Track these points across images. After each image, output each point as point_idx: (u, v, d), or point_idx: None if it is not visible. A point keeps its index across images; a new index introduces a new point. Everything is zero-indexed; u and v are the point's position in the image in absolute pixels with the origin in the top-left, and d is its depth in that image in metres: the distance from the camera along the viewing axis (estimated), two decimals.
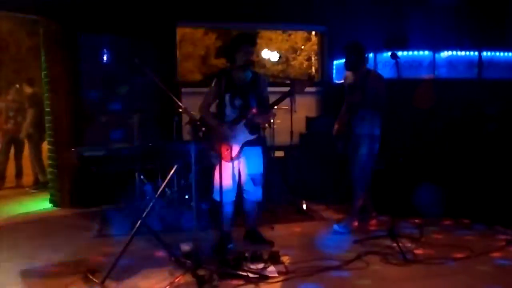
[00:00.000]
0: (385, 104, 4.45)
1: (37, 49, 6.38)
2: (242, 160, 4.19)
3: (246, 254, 3.82)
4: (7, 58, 16.50)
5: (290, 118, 5.48)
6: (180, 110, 4.80)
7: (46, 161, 6.46)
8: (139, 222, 3.61)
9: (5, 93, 7.99)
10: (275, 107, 4.19)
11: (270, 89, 4.35)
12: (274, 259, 3.84)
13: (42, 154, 7.47)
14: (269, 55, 20.89)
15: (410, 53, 5.69)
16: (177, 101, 3.97)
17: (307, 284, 3.49)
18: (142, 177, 5.16)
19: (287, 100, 4.30)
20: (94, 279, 3.46)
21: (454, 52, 5.75)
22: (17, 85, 7.60)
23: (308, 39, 19.45)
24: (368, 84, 4.49)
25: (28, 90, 7.32)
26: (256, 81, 4.21)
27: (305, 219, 5.28)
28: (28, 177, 7.73)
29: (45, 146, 6.70)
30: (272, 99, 4.20)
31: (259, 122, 4.14)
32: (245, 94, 4.14)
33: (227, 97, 4.12)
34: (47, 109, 6.09)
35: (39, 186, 7.33)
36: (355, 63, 4.60)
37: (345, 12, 6.69)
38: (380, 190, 5.04)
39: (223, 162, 3.79)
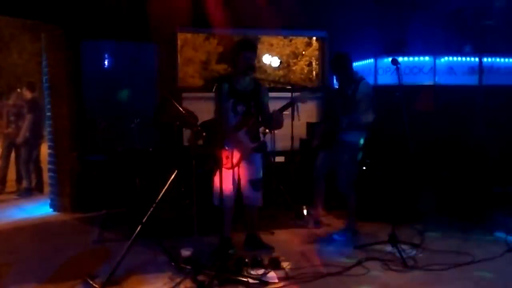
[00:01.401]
0: (368, 120, 4.55)
1: (39, 54, 6.39)
2: (242, 165, 4.19)
3: (246, 260, 3.83)
4: (9, 63, 16.54)
5: (290, 124, 5.48)
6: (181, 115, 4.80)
7: (46, 166, 6.45)
8: (139, 227, 3.61)
9: (6, 97, 7.97)
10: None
11: (271, 94, 4.41)
12: (275, 264, 3.84)
13: (39, 160, 7.48)
14: (270, 60, 20.91)
15: (411, 58, 5.70)
16: (179, 107, 3.99)
17: None
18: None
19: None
20: (94, 284, 3.45)
21: (455, 58, 5.75)
22: (19, 90, 7.60)
23: (309, 44, 19.47)
24: (357, 95, 4.57)
25: (28, 94, 7.33)
26: (258, 89, 4.25)
27: (305, 224, 5.27)
28: None
29: (44, 150, 6.70)
30: (273, 104, 4.24)
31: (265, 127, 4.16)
32: (247, 101, 4.16)
33: (229, 103, 4.14)
34: (48, 114, 6.11)
35: (22, 192, 7.32)
36: (349, 76, 4.69)
37: (346, 18, 6.70)
38: (381, 196, 5.04)
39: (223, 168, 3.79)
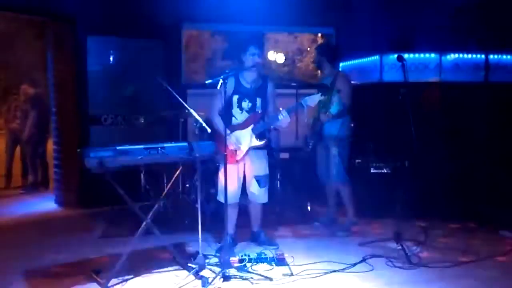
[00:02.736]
0: (348, 107, 4.68)
1: (44, 50, 6.40)
2: (247, 161, 4.19)
3: (251, 256, 3.83)
4: (14, 59, 16.59)
5: (295, 120, 5.47)
6: (186, 111, 4.79)
7: (51, 161, 6.47)
8: (144, 223, 3.62)
9: (13, 93, 7.97)
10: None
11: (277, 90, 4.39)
12: (279, 261, 3.84)
13: (45, 155, 7.50)
14: (275, 56, 20.86)
15: (417, 55, 5.67)
16: (184, 103, 3.99)
17: (312, 286, 3.49)
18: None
19: (293, 102, 4.31)
20: (98, 279, 3.47)
21: (461, 55, 5.72)
22: (23, 86, 7.60)
23: (314, 41, 19.40)
24: (336, 86, 4.64)
25: (29, 90, 7.32)
26: (265, 85, 4.23)
27: (310, 221, 5.26)
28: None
29: (50, 146, 6.71)
30: (278, 100, 4.24)
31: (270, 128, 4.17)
32: (253, 97, 4.16)
33: (235, 99, 4.14)
34: (54, 109, 6.12)
35: (28, 187, 7.34)
36: (320, 63, 4.91)
37: (352, 14, 6.68)
38: (386, 193, 5.03)
39: (228, 164, 3.79)
